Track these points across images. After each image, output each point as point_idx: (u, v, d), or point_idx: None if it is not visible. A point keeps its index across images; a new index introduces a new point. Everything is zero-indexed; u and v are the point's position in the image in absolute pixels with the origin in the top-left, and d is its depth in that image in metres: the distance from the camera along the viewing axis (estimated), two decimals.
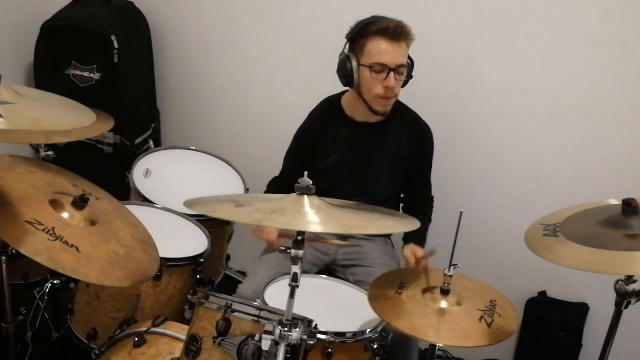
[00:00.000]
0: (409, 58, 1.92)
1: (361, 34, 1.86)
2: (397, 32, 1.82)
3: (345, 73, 1.90)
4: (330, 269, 2.08)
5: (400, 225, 1.48)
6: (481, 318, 1.48)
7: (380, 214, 1.48)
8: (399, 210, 2.17)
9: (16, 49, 2.72)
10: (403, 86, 1.95)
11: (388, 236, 2.17)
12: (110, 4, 2.63)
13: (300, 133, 2.11)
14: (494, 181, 2.36)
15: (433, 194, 2.17)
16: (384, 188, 2.06)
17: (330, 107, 2.07)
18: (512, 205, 2.34)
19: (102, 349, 1.70)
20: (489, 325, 1.46)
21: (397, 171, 2.05)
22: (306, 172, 1.36)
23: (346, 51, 1.91)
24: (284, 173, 2.12)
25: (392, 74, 1.84)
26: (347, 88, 2.00)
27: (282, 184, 2.03)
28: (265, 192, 2.07)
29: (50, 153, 1.88)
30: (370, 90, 1.88)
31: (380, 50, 1.83)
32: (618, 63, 2.08)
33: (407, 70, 1.90)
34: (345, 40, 1.92)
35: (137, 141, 2.73)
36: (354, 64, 1.88)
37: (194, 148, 2.49)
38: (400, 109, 2.04)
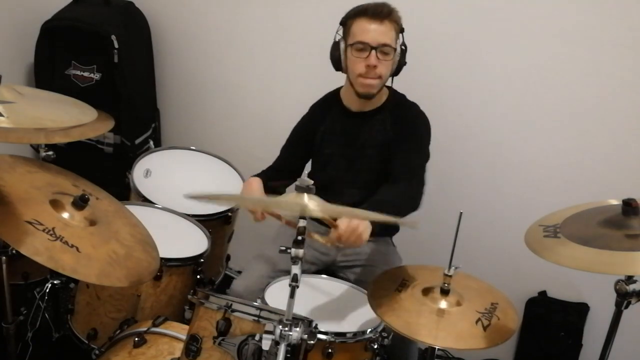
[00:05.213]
0: (404, 44, 1.92)
1: (348, 16, 1.90)
2: (377, 10, 1.84)
3: (334, 56, 1.94)
4: (329, 270, 2.07)
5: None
6: (478, 320, 1.48)
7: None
8: None
9: (16, 49, 2.72)
10: (396, 74, 1.95)
11: (389, 236, 2.17)
12: (110, 4, 2.63)
13: (299, 125, 2.11)
14: (493, 181, 2.36)
15: (433, 194, 2.05)
16: (379, 178, 2.02)
17: (329, 99, 2.09)
18: (512, 205, 2.34)
19: (102, 349, 1.71)
20: (485, 329, 1.46)
21: (385, 159, 1.99)
22: (306, 172, 1.36)
23: (338, 36, 1.93)
24: (279, 164, 2.12)
25: (373, 52, 1.84)
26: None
27: (278, 173, 2.06)
28: (258, 175, 2.02)
29: (50, 153, 1.87)
30: (353, 70, 1.89)
31: (362, 29, 1.85)
32: (618, 63, 2.08)
33: (393, 52, 1.88)
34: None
35: (137, 141, 2.73)
36: (342, 46, 1.91)
37: (194, 148, 2.49)
38: (393, 97, 2.03)
